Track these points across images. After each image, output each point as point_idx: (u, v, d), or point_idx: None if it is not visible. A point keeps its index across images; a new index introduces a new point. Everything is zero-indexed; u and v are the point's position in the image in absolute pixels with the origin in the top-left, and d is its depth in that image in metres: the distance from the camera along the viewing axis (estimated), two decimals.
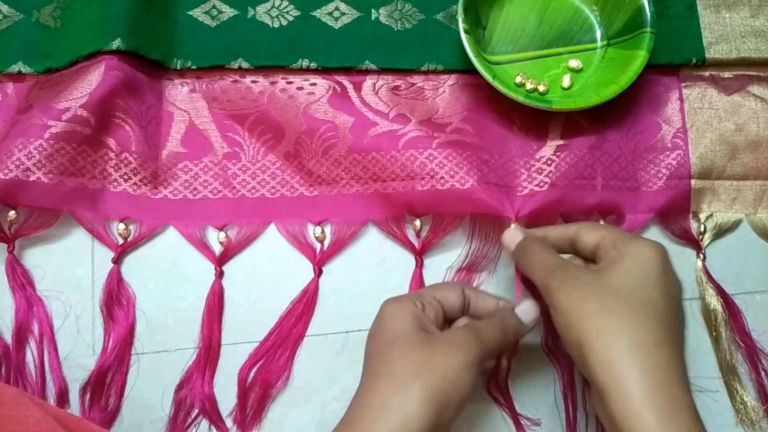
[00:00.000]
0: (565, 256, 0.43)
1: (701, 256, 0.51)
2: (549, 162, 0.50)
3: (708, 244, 0.52)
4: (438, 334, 0.39)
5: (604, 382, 0.35)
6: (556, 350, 0.49)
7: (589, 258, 0.43)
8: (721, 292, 0.50)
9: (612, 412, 0.34)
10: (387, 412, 0.35)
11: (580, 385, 0.48)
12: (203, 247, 0.49)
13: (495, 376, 0.48)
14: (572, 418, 0.48)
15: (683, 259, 0.51)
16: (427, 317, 0.40)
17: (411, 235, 0.50)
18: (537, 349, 0.49)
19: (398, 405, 0.35)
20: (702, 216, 0.52)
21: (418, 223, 0.50)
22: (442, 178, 0.48)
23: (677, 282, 0.39)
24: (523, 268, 0.43)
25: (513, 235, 0.45)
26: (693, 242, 0.51)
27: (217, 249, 0.49)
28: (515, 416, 0.48)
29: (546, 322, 0.49)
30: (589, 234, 0.42)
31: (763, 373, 0.49)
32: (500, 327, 0.41)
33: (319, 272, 0.49)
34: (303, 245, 0.50)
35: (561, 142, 0.51)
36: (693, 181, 0.51)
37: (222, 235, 0.49)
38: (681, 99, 0.53)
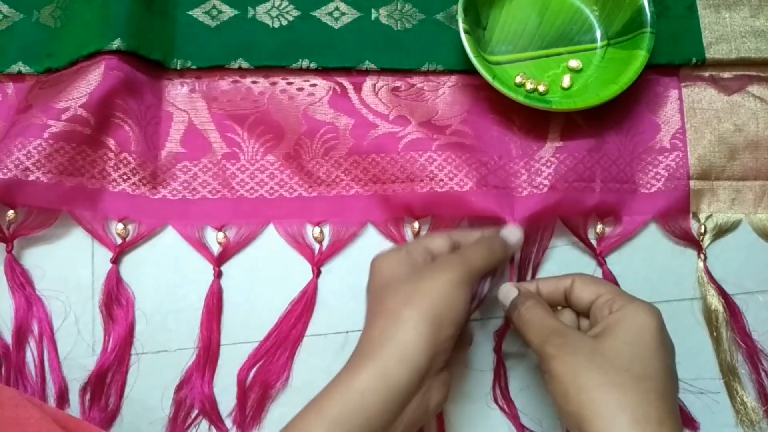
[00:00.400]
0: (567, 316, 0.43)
1: (702, 256, 0.51)
2: (548, 164, 0.50)
3: (708, 245, 0.52)
4: (424, 265, 0.41)
5: None
6: None
7: (582, 313, 0.42)
8: (722, 292, 0.50)
9: None
10: (386, 342, 0.37)
11: None
12: (202, 247, 0.49)
13: (498, 383, 0.48)
14: None
15: (684, 260, 0.51)
16: (414, 259, 0.41)
17: (409, 237, 0.50)
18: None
19: (394, 334, 0.37)
20: (702, 216, 0.52)
21: (416, 225, 0.50)
22: (441, 180, 0.48)
23: (672, 348, 0.39)
24: (517, 328, 0.42)
25: (507, 290, 0.43)
26: (694, 243, 0.51)
27: (216, 249, 0.49)
28: (519, 427, 0.47)
29: None
30: (585, 289, 0.41)
31: (763, 374, 0.49)
32: (485, 246, 0.42)
33: (317, 273, 0.49)
34: (302, 246, 0.50)
35: (560, 143, 0.51)
36: (692, 182, 0.51)
37: (221, 235, 0.49)
38: (680, 99, 0.53)
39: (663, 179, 0.51)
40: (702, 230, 0.51)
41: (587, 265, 0.51)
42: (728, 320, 0.50)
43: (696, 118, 0.52)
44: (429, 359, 0.36)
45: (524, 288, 0.43)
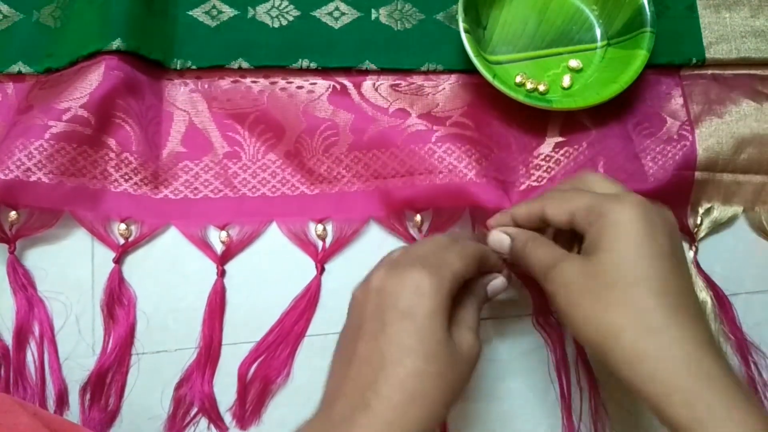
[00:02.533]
0: None
1: (694, 248, 0.51)
2: (548, 158, 0.50)
3: (702, 237, 0.52)
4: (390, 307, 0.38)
5: (630, 378, 0.33)
6: (547, 326, 0.49)
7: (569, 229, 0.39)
8: (711, 284, 0.50)
9: (648, 402, 0.33)
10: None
11: (572, 360, 0.49)
12: (205, 246, 0.49)
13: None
14: (566, 392, 0.48)
15: None
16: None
17: (412, 230, 0.50)
18: (529, 325, 0.49)
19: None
20: (700, 209, 0.52)
21: (418, 218, 0.50)
22: (441, 172, 0.48)
23: (666, 230, 0.36)
24: (526, 272, 0.40)
25: (500, 239, 0.42)
26: (688, 234, 0.51)
27: (219, 248, 0.49)
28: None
29: (535, 299, 0.49)
30: (557, 213, 0.38)
31: (753, 366, 0.49)
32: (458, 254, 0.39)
33: (321, 270, 0.49)
34: (305, 243, 0.50)
35: (560, 139, 0.51)
36: (697, 173, 0.51)
37: (223, 234, 0.49)
38: (683, 96, 0.53)
39: (670, 168, 0.50)
40: (698, 222, 0.52)
41: None
42: (717, 313, 0.50)
43: (701, 113, 0.52)
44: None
45: (512, 231, 0.41)
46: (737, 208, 0.52)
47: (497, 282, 0.42)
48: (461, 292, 0.38)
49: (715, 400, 0.31)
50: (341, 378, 0.35)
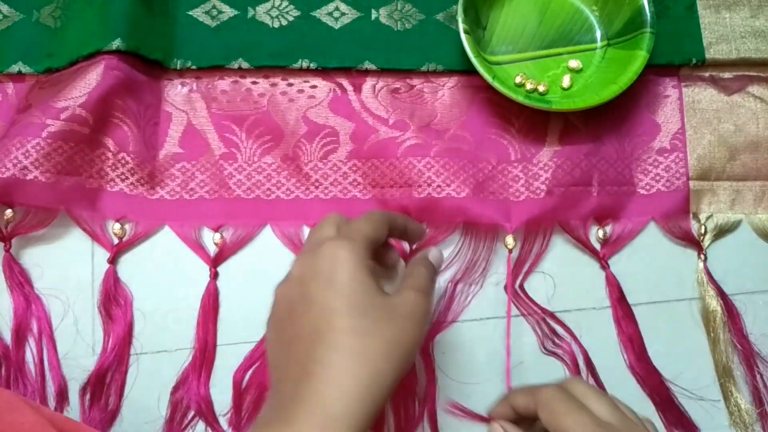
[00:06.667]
0: None
1: (702, 256, 0.51)
2: (546, 168, 0.50)
3: (709, 245, 0.51)
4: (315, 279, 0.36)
5: None
6: (557, 349, 0.49)
7: None
8: (721, 293, 0.50)
9: None
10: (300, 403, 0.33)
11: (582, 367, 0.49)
12: (198, 248, 0.49)
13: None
14: None
15: (684, 260, 0.51)
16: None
17: (404, 243, 0.50)
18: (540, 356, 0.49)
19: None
20: (702, 217, 0.52)
21: None
22: (439, 186, 0.49)
23: None
24: None
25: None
26: (694, 243, 0.51)
27: (212, 250, 0.49)
28: None
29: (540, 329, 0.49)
30: (553, 426, 0.36)
31: (758, 376, 0.49)
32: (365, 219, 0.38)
33: None
34: (298, 247, 0.49)
35: (558, 147, 0.51)
36: (692, 183, 0.51)
37: (217, 236, 0.49)
38: (680, 99, 0.53)
39: (663, 180, 0.51)
40: (702, 230, 0.51)
41: (587, 264, 0.51)
42: (726, 321, 0.50)
43: (696, 119, 0.52)
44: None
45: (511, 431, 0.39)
46: (740, 215, 0.52)
47: (434, 251, 0.40)
48: (409, 264, 0.38)
49: None
50: (283, 364, 0.34)
